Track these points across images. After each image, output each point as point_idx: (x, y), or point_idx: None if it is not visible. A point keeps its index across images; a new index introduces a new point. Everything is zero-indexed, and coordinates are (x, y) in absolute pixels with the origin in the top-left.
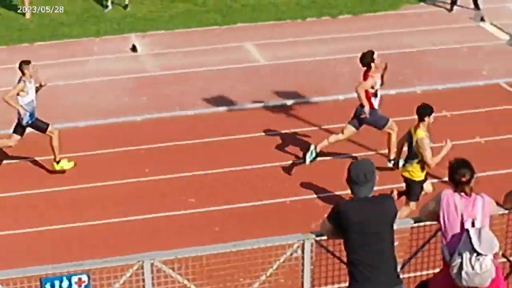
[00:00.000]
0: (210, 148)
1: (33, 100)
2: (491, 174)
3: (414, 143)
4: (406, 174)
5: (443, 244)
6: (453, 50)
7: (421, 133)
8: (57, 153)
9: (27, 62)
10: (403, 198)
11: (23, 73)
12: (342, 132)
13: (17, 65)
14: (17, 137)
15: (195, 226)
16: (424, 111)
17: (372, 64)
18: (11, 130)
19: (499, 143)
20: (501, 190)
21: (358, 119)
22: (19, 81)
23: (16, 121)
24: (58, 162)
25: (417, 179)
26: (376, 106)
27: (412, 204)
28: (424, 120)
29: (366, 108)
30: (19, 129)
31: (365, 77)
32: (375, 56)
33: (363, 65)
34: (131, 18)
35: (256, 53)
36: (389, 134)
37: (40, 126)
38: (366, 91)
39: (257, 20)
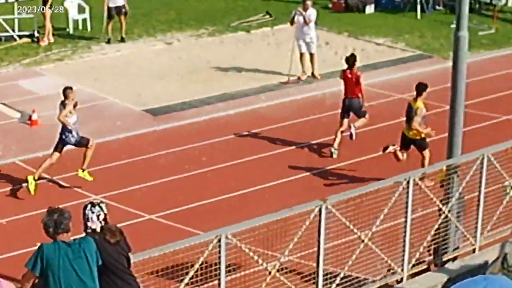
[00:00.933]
0: None
1: (76, 121)
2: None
3: (415, 111)
4: (412, 135)
5: None
6: None
7: (420, 104)
8: (86, 163)
9: (71, 88)
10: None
11: (67, 97)
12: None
13: (62, 90)
14: (57, 154)
15: None
16: (422, 87)
17: (356, 63)
18: (52, 149)
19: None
20: None
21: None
22: (63, 104)
23: (57, 140)
24: (83, 171)
25: (421, 136)
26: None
27: (426, 151)
28: (421, 95)
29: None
30: (60, 147)
31: (354, 73)
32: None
33: (349, 63)
34: None
35: None
36: (341, 124)
37: (84, 143)
38: (361, 84)
39: None
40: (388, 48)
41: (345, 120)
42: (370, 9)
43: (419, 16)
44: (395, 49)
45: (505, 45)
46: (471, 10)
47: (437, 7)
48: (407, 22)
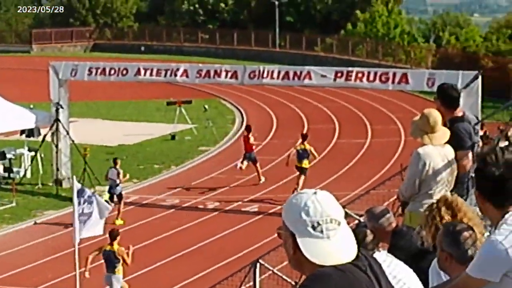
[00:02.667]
0: None
1: None
2: None
3: (308, 151)
4: (304, 165)
5: None
6: None
7: (307, 145)
8: None
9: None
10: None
11: None
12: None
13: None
14: None
15: None
16: (306, 136)
17: (251, 130)
18: None
19: None
20: None
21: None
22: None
23: None
24: None
25: (307, 166)
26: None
27: (304, 176)
28: (306, 139)
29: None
30: None
31: (248, 136)
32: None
33: (247, 130)
34: None
35: None
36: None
37: None
38: (249, 141)
39: None
40: None
41: (245, 162)
42: None
43: None
44: None
45: (26, 217)
46: None
47: None
48: None
